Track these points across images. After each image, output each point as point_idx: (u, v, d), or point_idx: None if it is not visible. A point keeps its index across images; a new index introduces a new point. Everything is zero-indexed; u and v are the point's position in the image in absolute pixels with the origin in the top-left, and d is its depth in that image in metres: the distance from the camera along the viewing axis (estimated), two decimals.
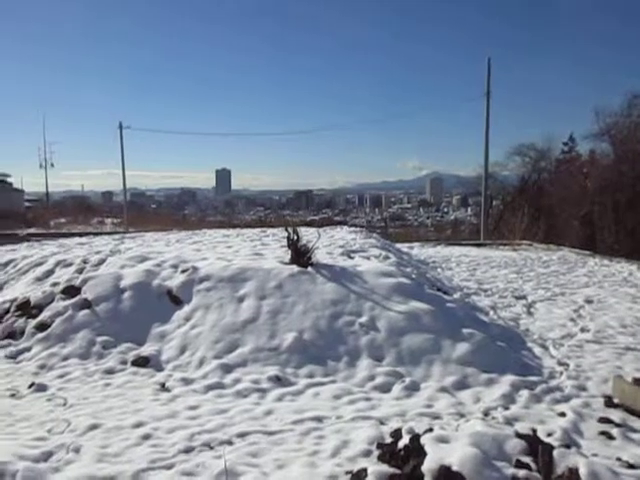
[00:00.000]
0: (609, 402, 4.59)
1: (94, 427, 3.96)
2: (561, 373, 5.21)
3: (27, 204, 43.46)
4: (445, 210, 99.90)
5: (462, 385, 4.87)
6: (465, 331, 5.59)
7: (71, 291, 6.46)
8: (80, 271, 6.96)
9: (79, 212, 37.03)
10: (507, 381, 4.88)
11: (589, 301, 8.20)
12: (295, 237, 6.91)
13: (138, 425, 4.00)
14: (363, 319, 5.70)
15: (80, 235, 16.71)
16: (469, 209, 69.84)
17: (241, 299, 6.06)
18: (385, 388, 4.80)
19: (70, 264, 7.27)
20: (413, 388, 4.79)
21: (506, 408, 4.40)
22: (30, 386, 4.82)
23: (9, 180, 43.28)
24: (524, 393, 4.67)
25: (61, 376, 5.14)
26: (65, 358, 5.49)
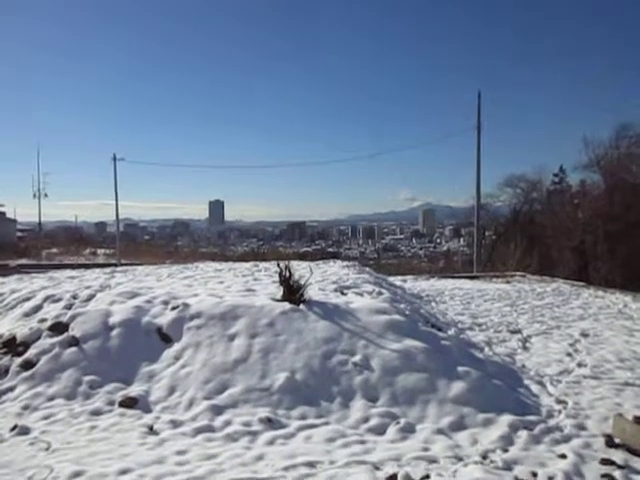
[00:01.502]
0: (610, 442, 4.48)
1: (77, 474, 3.80)
2: (560, 412, 5.11)
3: (19, 234, 43.22)
4: (438, 241, 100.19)
5: (459, 426, 4.75)
6: (460, 369, 5.49)
7: (59, 328, 6.31)
8: (69, 307, 6.82)
9: (71, 242, 36.86)
10: (505, 421, 4.76)
11: (585, 334, 8.13)
12: (287, 273, 6.84)
13: (124, 472, 3.85)
14: (356, 358, 5.59)
15: (71, 267, 16.58)
16: (462, 240, 69.97)
17: (232, 337, 5.94)
18: (380, 430, 4.67)
19: (59, 299, 7.13)
20: (408, 430, 4.66)
21: (505, 450, 4.28)
22: (13, 429, 4.66)
23: (2, 210, 43.12)
24: (523, 434, 4.55)
25: (45, 417, 4.97)
26: (50, 398, 5.32)
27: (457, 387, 5.23)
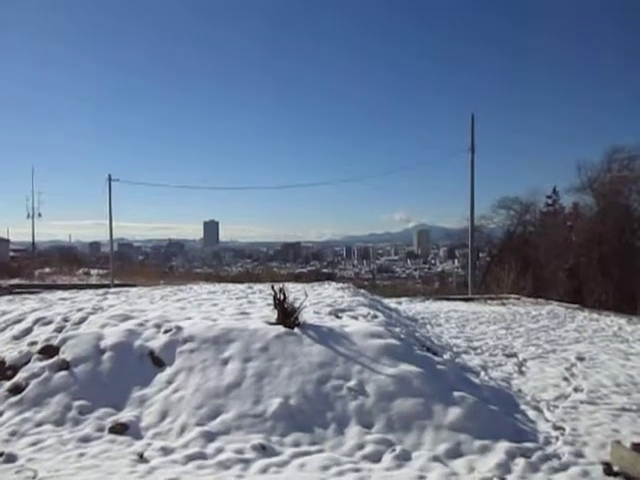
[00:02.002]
0: (608, 469, 4.43)
1: None
2: (557, 438, 5.04)
3: (12, 254, 42.90)
4: (432, 262, 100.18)
5: (455, 453, 4.68)
6: (456, 394, 5.43)
7: (49, 351, 6.22)
8: (60, 330, 6.73)
9: (65, 262, 36.60)
10: (502, 448, 4.70)
11: (581, 358, 8.08)
12: (282, 296, 6.79)
13: None
14: (351, 383, 5.52)
15: (64, 287, 16.44)
16: (456, 261, 70.14)
17: (225, 361, 5.86)
18: (375, 457, 4.59)
19: (50, 322, 7.03)
20: (404, 457, 4.58)
21: (502, 479, 4.21)
22: None
23: None
24: (520, 462, 4.49)
25: (33, 444, 4.87)
26: (39, 424, 5.22)
27: (453, 413, 5.16)
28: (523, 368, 7.58)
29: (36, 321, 7.07)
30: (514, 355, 8.30)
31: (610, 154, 29.41)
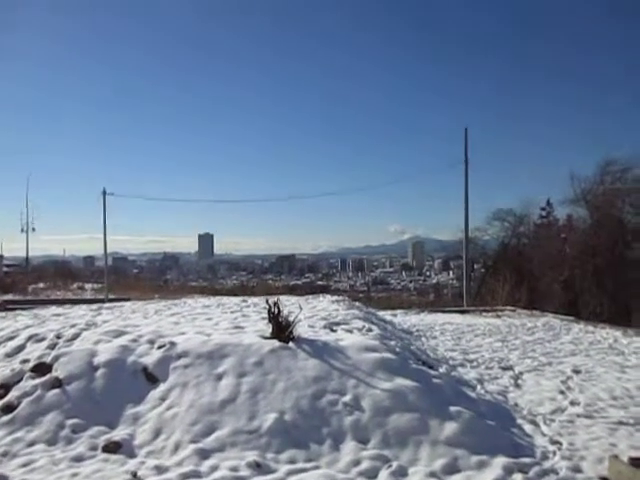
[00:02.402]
0: None
1: None
2: (554, 453, 5.01)
3: (6, 269, 42.59)
4: (427, 274, 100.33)
5: (452, 469, 4.64)
6: (453, 409, 5.39)
7: (41, 369, 6.15)
8: (53, 347, 6.66)
9: (59, 277, 36.37)
10: (499, 463, 4.66)
11: (577, 371, 8.06)
12: (276, 310, 6.76)
13: None
14: (347, 398, 5.48)
15: (58, 302, 16.32)
16: (451, 272, 70.28)
17: (220, 377, 5.82)
18: (371, 474, 4.54)
19: (43, 339, 6.96)
20: (400, 473, 4.54)
21: None
22: None
23: None
24: (517, 477, 4.46)
25: (25, 465, 4.78)
26: (31, 444, 5.14)
27: (450, 428, 5.13)
28: (519, 381, 7.55)
29: (29, 338, 7.01)
30: (510, 368, 8.28)
31: (603, 166, 29.65)
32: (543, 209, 35.35)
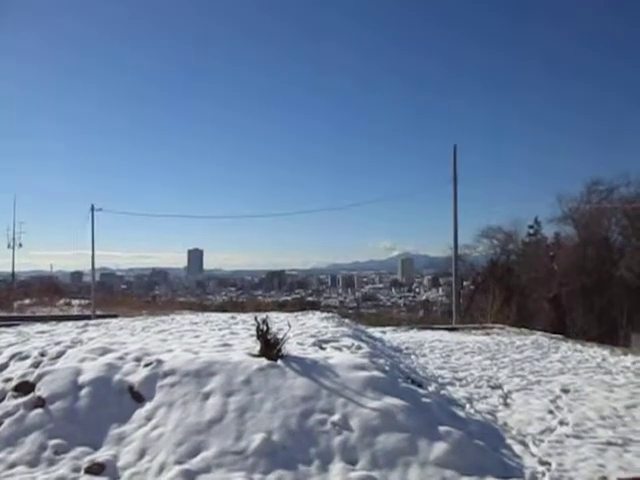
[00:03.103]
0: None
1: None
2: (543, 474, 4.98)
3: None
4: (417, 290, 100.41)
5: None
6: (442, 429, 5.36)
7: (24, 388, 6.03)
8: (36, 365, 6.55)
9: (45, 293, 35.94)
10: None
11: (565, 390, 8.05)
12: (265, 327, 6.71)
13: None
14: (335, 417, 5.42)
15: (44, 319, 16.09)
16: (440, 289, 70.37)
17: (207, 396, 5.74)
18: None
19: (26, 357, 6.84)
20: None
21: None
22: None
23: None
24: None
25: None
26: (12, 465, 5.02)
27: (439, 448, 5.09)
28: (508, 400, 7.53)
29: (12, 356, 6.88)
30: (499, 387, 8.26)
31: (589, 185, 30.09)
32: (531, 227, 35.77)
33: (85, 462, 4.99)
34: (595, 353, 11.67)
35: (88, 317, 19.24)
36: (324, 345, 7.75)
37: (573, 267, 27.31)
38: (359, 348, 7.69)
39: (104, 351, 6.87)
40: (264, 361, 6.32)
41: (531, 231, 35.91)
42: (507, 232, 35.19)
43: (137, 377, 6.14)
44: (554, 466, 5.13)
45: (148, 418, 5.57)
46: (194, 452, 5.03)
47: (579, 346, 12.86)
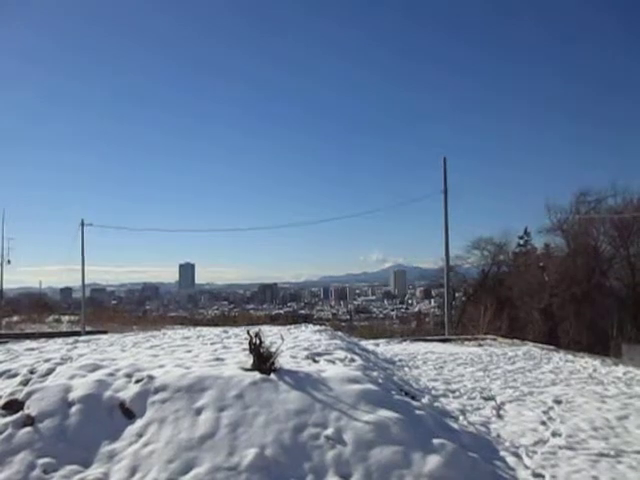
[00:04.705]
0: None
1: None
2: None
3: None
4: (409, 302, 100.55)
5: None
6: (436, 441, 5.34)
7: (13, 406, 5.93)
8: (25, 383, 6.46)
9: (34, 310, 35.60)
10: None
11: (558, 401, 8.07)
12: (257, 341, 6.68)
13: None
14: (329, 431, 5.38)
15: (33, 336, 15.92)
16: (432, 301, 70.42)
17: (199, 411, 5.68)
18: None
19: (15, 374, 6.75)
20: None
21: None
22: None
23: None
24: None
25: None
26: None
27: (432, 461, 5.06)
28: (501, 412, 7.53)
29: (0, 374, 6.79)
30: (492, 398, 8.26)
31: (578, 196, 30.37)
32: (521, 238, 35.99)
33: None
34: (586, 364, 11.72)
35: (78, 333, 19.04)
36: (317, 358, 7.73)
37: (563, 277, 27.45)
38: (352, 361, 7.67)
39: (94, 367, 6.79)
40: (257, 375, 6.28)
41: (521, 242, 36.14)
42: (498, 243, 35.41)
43: (128, 393, 6.07)
44: (547, 478, 5.14)
45: (139, 435, 5.50)
46: (186, 469, 4.97)
47: (570, 357, 12.91)
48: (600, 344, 21.30)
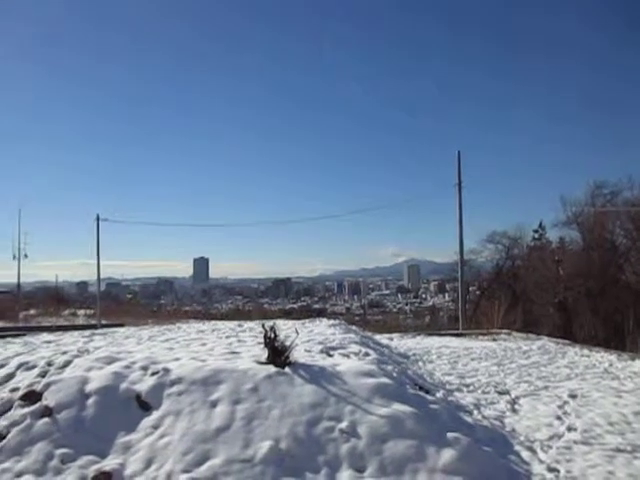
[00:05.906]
0: None
1: None
2: None
3: None
4: (423, 296, 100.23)
5: None
6: (450, 435, 5.33)
7: (31, 397, 6.04)
8: (43, 374, 6.56)
9: (51, 303, 36.05)
10: None
11: (573, 396, 8.00)
12: (272, 334, 6.71)
13: None
14: (343, 424, 5.40)
15: (50, 329, 16.13)
16: (446, 295, 70.17)
17: (214, 404, 5.73)
18: None
19: (33, 366, 6.86)
20: None
21: None
22: None
23: None
24: None
25: None
26: (19, 475, 5.01)
27: (447, 455, 5.06)
28: (516, 406, 7.49)
29: (19, 366, 6.90)
30: (507, 392, 8.22)
31: (593, 189, 29.99)
32: (536, 231, 35.68)
33: (92, 471, 4.99)
34: (602, 358, 11.60)
35: (94, 327, 19.27)
36: (332, 352, 7.75)
37: (578, 271, 27.17)
38: (367, 355, 7.68)
39: (111, 360, 6.88)
40: (272, 368, 6.31)
41: (536, 235, 35.83)
42: (512, 237, 35.13)
43: (144, 386, 6.14)
44: (563, 473, 5.10)
45: (155, 427, 5.56)
46: (201, 460, 5.02)
47: (586, 351, 12.78)
48: (616, 339, 21.07)
